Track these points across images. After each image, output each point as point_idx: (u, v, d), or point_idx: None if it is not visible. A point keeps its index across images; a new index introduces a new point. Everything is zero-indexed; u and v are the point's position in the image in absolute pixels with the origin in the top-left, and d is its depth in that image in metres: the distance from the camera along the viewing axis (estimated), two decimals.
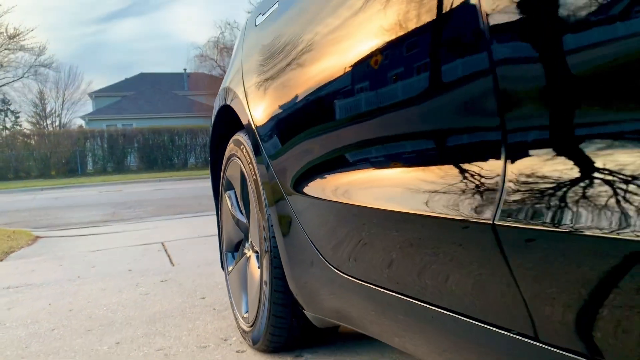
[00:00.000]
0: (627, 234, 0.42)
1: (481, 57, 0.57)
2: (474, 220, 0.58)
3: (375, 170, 0.82)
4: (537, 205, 0.51)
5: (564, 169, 0.49)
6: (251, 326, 1.45)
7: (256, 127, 1.27)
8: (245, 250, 1.54)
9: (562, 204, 0.49)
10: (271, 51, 1.23)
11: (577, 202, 0.47)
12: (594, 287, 0.46)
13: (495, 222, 0.56)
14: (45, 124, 43.49)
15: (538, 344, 0.53)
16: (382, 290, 0.82)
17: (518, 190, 0.53)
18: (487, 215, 0.57)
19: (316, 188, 1.00)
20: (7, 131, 41.45)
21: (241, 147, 1.42)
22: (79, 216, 7.86)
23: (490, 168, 0.57)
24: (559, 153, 0.50)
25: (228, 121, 1.54)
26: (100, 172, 22.38)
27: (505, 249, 0.55)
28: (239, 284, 1.60)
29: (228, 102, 1.47)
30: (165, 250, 3.70)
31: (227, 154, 1.59)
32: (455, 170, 0.63)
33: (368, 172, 0.83)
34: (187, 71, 34.63)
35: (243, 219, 1.55)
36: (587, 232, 0.46)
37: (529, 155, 0.53)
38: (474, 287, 0.61)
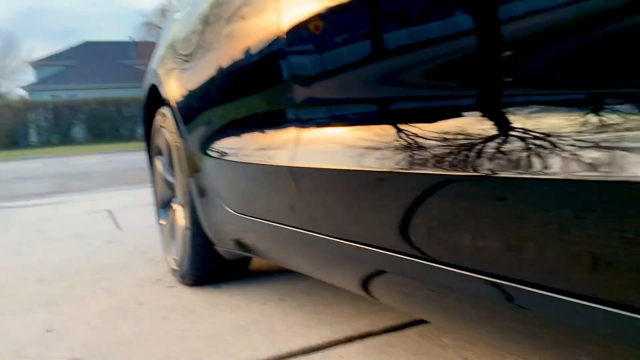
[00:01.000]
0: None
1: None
2: (280, 165, 0.94)
3: (242, 137, 1.17)
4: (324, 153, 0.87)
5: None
6: (179, 266, 1.78)
7: (175, 103, 1.59)
8: (173, 205, 1.87)
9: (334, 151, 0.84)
10: (182, 43, 1.54)
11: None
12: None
13: (291, 165, 0.91)
14: None
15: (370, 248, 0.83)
16: (263, 221, 1.17)
17: (308, 145, 0.89)
18: (285, 161, 0.92)
19: (215, 151, 1.34)
20: None
21: (165, 119, 1.74)
22: (26, 188, 7.87)
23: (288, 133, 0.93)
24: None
25: (156, 97, 1.85)
26: (45, 145, 21.84)
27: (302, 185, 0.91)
28: (169, 233, 1.94)
29: (154, 82, 1.78)
30: (112, 217, 3.94)
31: (155, 124, 1.90)
32: (272, 136, 0.99)
33: (240, 138, 1.18)
34: (135, 40, 33.72)
35: (171, 179, 1.87)
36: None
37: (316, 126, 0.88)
38: (322, 211, 0.94)
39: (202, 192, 1.50)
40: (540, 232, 0.50)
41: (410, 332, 1.19)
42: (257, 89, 1.09)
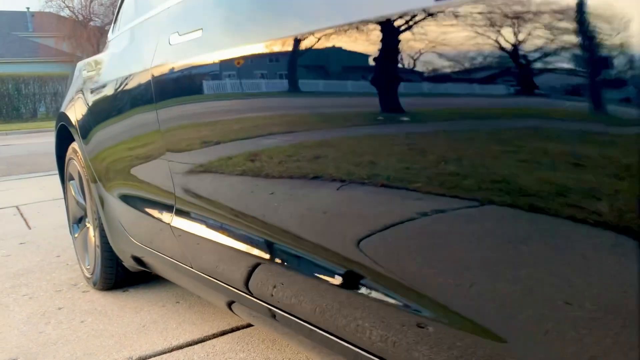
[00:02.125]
0: None
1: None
2: (164, 222, 1.37)
3: (139, 191, 1.58)
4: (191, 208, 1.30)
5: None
6: (92, 274, 2.15)
7: (83, 141, 1.94)
8: (86, 223, 2.22)
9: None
10: (85, 100, 1.90)
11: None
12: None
13: (170, 225, 1.34)
14: None
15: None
16: (154, 251, 1.58)
17: (180, 215, 1.32)
18: (167, 220, 1.36)
19: (118, 193, 1.73)
20: None
21: (77, 154, 2.08)
22: None
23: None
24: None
25: (66, 133, 2.18)
26: None
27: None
28: (82, 245, 2.29)
29: (64, 122, 2.12)
30: (21, 214, 4.10)
31: (68, 155, 2.23)
32: (160, 202, 1.42)
33: (137, 191, 1.59)
34: (31, 10, 31.60)
35: (82, 201, 2.22)
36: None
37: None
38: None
39: (108, 221, 1.89)
40: None
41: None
42: (150, 174, 1.50)
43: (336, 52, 0.73)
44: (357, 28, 0.68)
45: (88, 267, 2.20)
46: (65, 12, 27.73)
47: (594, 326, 0.49)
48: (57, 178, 2.66)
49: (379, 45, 0.66)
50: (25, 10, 32.64)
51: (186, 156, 1.23)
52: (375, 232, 0.72)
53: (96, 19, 27.97)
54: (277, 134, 0.88)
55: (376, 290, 0.76)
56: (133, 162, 1.57)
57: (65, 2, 27.27)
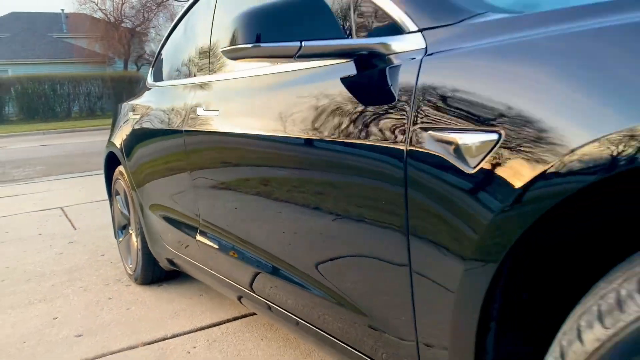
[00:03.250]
0: None
1: None
2: (193, 237, 1.90)
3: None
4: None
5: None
6: (134, 272, 2.69)
7: (128, 167, 2.49)
8: (130, 230, 2.76)
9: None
10: (137, 137, 2.43)
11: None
12: None
13: (196, 239, 1.86)
14: None
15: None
16: (184, 256, 2.10)
17: (203, 232, 1.84)
18: (193, 235, 1.88)
19: (151, 206, 2.27)
20: None
21: (123, 175, 2.63)
22: None
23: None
24: None
25: (114, 158, 2.73)
26: None
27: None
28: (126, 248, 2.83)
29: (113, 150, 2.68)
30: (66, 215, 4.69)
31: (115, 175, 2.78)
32: (188, 221, 1.94)
33: (171, 210, 2.12)
34: (66, 11, 32.75)
35: (126, 213, 2.76)
36: None
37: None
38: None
39: (149, 230, 2.42)
40: None
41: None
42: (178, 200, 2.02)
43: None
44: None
45: (131, 265, 2.75)
46: (98, 14, 28.68)
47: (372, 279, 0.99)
48: (93, 179, 3.21)
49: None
50: (60, 11, 33.82)
51: (206, 194, 1.75)
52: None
53: (127, 21, 28.87)
54: (257, 186, 1.40)
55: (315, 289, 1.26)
56: (172, 195, 2.09)
57: (98, 4, 28.21)
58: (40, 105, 22.33)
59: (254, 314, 2.16)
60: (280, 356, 1.82)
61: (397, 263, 0.96)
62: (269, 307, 1.54)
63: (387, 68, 1.01)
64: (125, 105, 2.72)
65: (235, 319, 2.17)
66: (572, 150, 0.65)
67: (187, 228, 1.97)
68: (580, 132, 0.65)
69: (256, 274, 1.55)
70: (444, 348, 0.90)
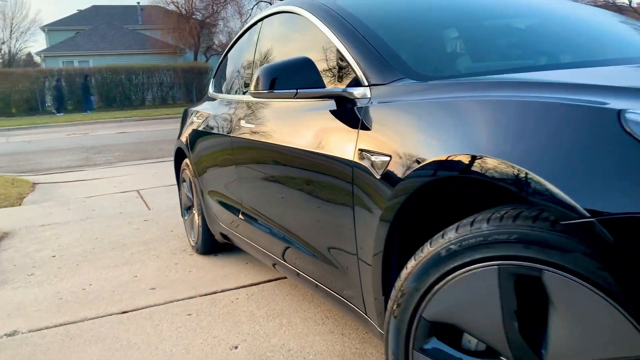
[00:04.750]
0: None
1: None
2: (236, 216, 2.52)
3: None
4: None
5: None
6: (196, 244, 3.38)
7: (192, 160, 3.15)
8: (193, 211, 3.44)
9: None
10: (198, 137, 3.08)
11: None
12: None
13: (239, 217, 2.48)
14: None
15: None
16: (233, 232, 2.73)
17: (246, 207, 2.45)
18: (238, 215, 2.51)
19: (214, 195, 2.91)
20: None
21: (188, 167, 3.30)
22: (57, 161, 9.39)
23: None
24: None
25: (181, 152, 3.41)
26: (60, 111, 23.36)
27: None
28: (190, 225, 3.52)
29: (181, 146, 3.35)
30: (142, 197, 5.48)
31: (182, 166, 3.47)
32: (233, 198, 2.57)
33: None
34: (141, 4, 34.62)
35: (190, 196, 3.45)
36: None
37: None
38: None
39: (207, 210, 3.08)
40: None
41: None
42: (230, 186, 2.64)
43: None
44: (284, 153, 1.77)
45: (193, 239, 3.43)
46: (171, 7, 30.16)
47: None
48: (164, 165, 3.91)
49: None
50: (136, 4, 35.76)
51: (246, 184, 2.36)
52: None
53: (197, 13, 30.23)
54: (274, 179, 1.99)
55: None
56: (223, 184, 2.73)
57: None
58: (118, 94, 24.04)
59: (285, 277, 2.77)
60: (299, 306, 2.42)
61: (349, 223, 1.53)
62: (297, 274, 2.10)
63: (351, 107, 1.57)
64: (191, 110, 3.39)
65: (269, 280, 2.79)
66: (420, 163, 1.20)
67: (234, 210, 2.59)
68: (427, 154, 1.20)
69: (285, 248, 2.13)
70: (369, 265, 1.46)
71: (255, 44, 2.58)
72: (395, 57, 1.57)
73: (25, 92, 23.69)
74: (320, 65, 1.76)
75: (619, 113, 0.87)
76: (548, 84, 1.15)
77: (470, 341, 1.13)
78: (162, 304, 2.57)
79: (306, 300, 2.50)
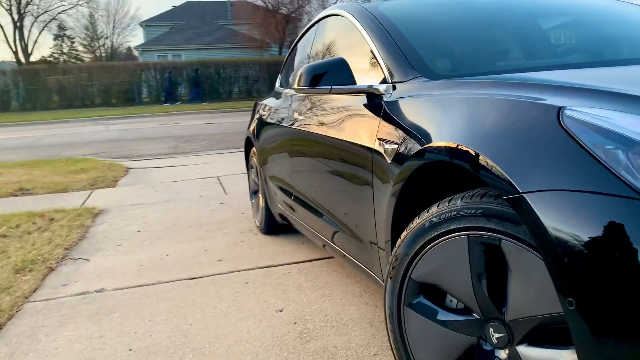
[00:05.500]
0: None
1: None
2: (290, 198, 2.81)
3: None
4: None
5: None
6: (260, 224, 3.72)
7: (257, 149, 3.48)
8: (259, 195, 3.79)
9: None
10: (262, 128, 3.41)
11: None
12: None
13: (292, 199, 2.77)
14: (97, 45, 46.21)
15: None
16: (291, 214, 3.03)
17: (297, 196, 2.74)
18: (291, 197, 2.80)
19: (274, 180, 3.22)
20: (64, 55, 44.34)
21: (255, 154, 3.64)
22: (149, 148, 10.20)
23: None
24: None
25: (249, 141, 3.76)
26: (155, 102, 25.00)
27: None
28: (256, 208, 3.88)
29: (249, 136, 3.70)
30: (220, 183, 5.95)
31: (250, 154, 3.83)
32: (288, 182, 2.87)
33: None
34: (231, 0, 35.98)
35: (257, 182, 3.79)
36: None
37: None
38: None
39: (269, 193, 3.41)
40: None
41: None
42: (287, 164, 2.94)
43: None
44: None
45: (258, 220, 3.78)
46: (259, 2, 31.14)
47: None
48: (243, 155, 4.27)
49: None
50: (227, 0, 37.22)
51: (296, 171, 2.65)
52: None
53: (283, 8, 31.00)
54: (314, 162, 2.25)
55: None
56: (280, 170, 3.04)
57: None
58: (207, 87, 25.28)
59: (332, 257, 3.03)
60: (342, 281, 2.68)
61: (369, 200, 1.77)
62: (343, 255, 2.35)
63: (378, 102, 1.80)
64: (259, 103, 3.73)
65: (319, 259, 3.07)
66: (414, 151, 1.41)
67: (288, 193, 2.89)
68: (419, 143, 1.41)
69: (334, 232, 2.37)
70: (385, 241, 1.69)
71: (311, 44, 2.85)
72: (417, 58, 1.78)
73: (124, 84, 25.57)
74: (356, 63, 2.00)
75: (560, 110, 1.05)
76: (532, 84, 1.33)
77: (451, 300, 1.34)
78: (225, 273, 2.93)
79: (349, 277, 2.75)
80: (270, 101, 3.48)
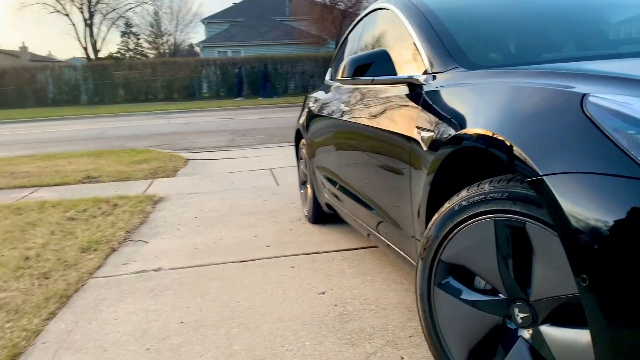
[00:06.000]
0: None
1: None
2: (335, 188, 2.90)
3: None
4: None
5: None
6: (308, 214, 3.84)
7: (306, 140, 3.59)
8: (307, 185, 3.90)
9: None
10: (310, 120, 3.51)
11: None
12: None
13: (337, 188, 2.86)
14: (161, 41, 47.86)
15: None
16: (337, 204, 3.12)
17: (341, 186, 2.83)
18: (336, 187, 2.89)
19: (321, 170, 3.32)
20: (130, 52, 46.16)
21: (304, 145, 3.76)
22: (207, 141, 10.56)
23: None
24: None
25: (299, 133, 3.88)
26: (214, 97, 25.70)
27: None
28: (304, 197, 4.00)
29: (299, 128, 3.82)
30: (273, 175, 6.12)
31: (300, 145, 3.94)
32: (333, 171, 2.96)
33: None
34: None
35: (306, 172, 3.91)
36: None
37: None
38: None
39: (316, 183, 3.51)
40: None
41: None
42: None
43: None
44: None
45: (306, 209, 3.90)
46: None
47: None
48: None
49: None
50: None
51: (342, 160, 2.74)
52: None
53: (340, 4, 31.03)
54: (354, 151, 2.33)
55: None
56: (326, 160, 3.13)
57: None
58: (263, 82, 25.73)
59: (376, 246, 3.10)
60: (383, 269, 2.75)
61: (406, 190, 1.83)
62: (388, 245, 2.42)
63: (419, 92, 1.86)
64: (309, 97, 3.84)
65: (364, 247, 3.15)
66: (447, 139, 1.47)
67: (333, 182, 2.98)
68: (452, 130, 1.46)
69: (379, 222, 2.45)
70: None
71: (360, 37, 2.92)
72: (456, 49, 1.82)
73: (186, 79, 26.43)
74: (400, 55, 2.06)
75: (583, 96, 1.09)
76: (564, 73, 1.36)
77: (480, 282, 1.39)
78: (273, 258, 3.06)
79: (391, 265, 2.82)
80: (319, 94, 3.58)
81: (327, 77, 3.76)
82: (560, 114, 1.11)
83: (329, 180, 3.12)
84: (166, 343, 2.07)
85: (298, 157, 4.14)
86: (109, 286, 2.74)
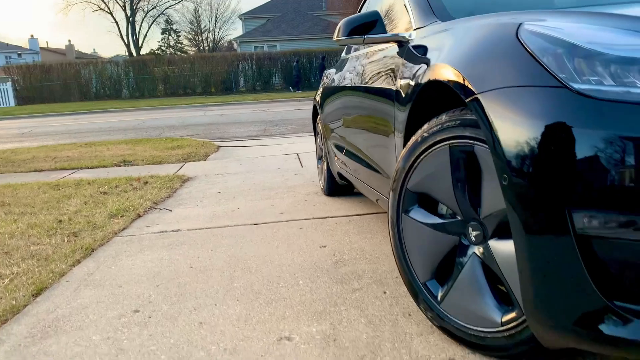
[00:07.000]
0: None
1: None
2: (343, 154, 3.05)
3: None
4: None
5: None
6: (323, 186, 4.00)
7: (321, 115, 3.75)
8: (323, 159, 4.06)
9: None
10: (323, 93, 3.66)
11: None
12: None
13: (343, 154, 3.00)
14: (200, 39, 48.80)
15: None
16: (342, 168, 3.27)
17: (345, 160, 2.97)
18: (343, 152, 3.03)
19: (332, 139, 3.47)
20: (171, 48, 47.21)
21: (320, 122, 3.91)
22: (240, 131, 10.85)
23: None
24: None
25: (315, 108, 4.04)
26: (250, 91, 26.12)
27: None
28: (320, 172, 4.16)
29: (315, 103, 3.98)
30: (299, 158, 6.30)
31: (317, 121, 4.10)
32: (342, 136, 3.10)
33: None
34: None
35: (322, 147, 4.07)
36: None
37: None
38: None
39: (329, 154, 3.66)
40: None
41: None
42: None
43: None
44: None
45: (322, 182, 4.06)
46: None
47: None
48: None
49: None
50: None
51: (343, 124, 2.88)
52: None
53: None
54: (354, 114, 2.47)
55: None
56: (335, 128, 3.28)
57: None
58: (301, 75, 25.98)
59: (385, 212, 3.23)
60: (386, 230, 2.89)
61: (392, 143, 1.97)
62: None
63: (405, 48, 1.99)
64: (325, 72, 3.99)
65: (371, 213, 3.29)
66: (418, 80, 1.60)
67: (341, 148, 3.13)
68: (422, 75, 1.60)
69: (380, 182, 2.58)
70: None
71: (367, 5, 3.06)
72: (439, 6, 1.95)
73: (223, 73, 26.96)
74: (395, 18, 2.20)
75: (519, 26, 1.21)
76: (519, 12, 1.47)
77: (442, 208, 1.52)
78: (284, 221, 3.24)
79: None
80: (332, 70, 3.73)
81: (344, 53, 3.91)
82: (499, 42, 1.24)
83: (337, 147, 3.27)
84: (174, 282, 2.27)
85: (315, 133, 4.31)
86: (131, 242, 2.97)
